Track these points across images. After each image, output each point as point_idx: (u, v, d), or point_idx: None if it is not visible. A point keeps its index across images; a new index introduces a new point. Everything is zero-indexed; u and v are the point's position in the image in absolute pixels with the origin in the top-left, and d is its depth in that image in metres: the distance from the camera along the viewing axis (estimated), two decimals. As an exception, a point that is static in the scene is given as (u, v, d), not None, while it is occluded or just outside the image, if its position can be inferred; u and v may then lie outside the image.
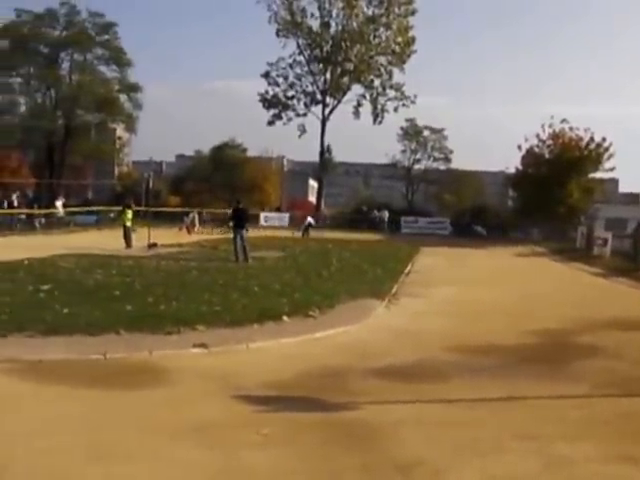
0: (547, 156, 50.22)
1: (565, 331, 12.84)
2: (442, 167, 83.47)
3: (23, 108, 59.40)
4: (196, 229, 38.92)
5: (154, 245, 28.82)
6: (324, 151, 67.74)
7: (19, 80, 58.74)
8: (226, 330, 11.03)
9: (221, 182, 62.10)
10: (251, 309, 12.66)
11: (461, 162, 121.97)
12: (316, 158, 68.02)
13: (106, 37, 58.51)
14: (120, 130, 64.07)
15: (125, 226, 30.56)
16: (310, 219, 45.78)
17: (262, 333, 11.05)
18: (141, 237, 30.05)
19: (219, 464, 5.69)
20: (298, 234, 42.65)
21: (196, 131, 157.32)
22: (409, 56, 64.30)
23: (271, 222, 56.21)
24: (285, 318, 12.10)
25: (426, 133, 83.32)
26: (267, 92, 65.42)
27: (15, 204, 41.13)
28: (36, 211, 43.21)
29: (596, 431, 6.73)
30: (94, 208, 50.25)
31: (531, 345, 11.54)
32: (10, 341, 9.94)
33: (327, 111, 65.20)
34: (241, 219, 24.46)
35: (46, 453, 5.85)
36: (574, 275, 26.36)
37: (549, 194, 46.95)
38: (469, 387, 8.48)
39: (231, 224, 24.70)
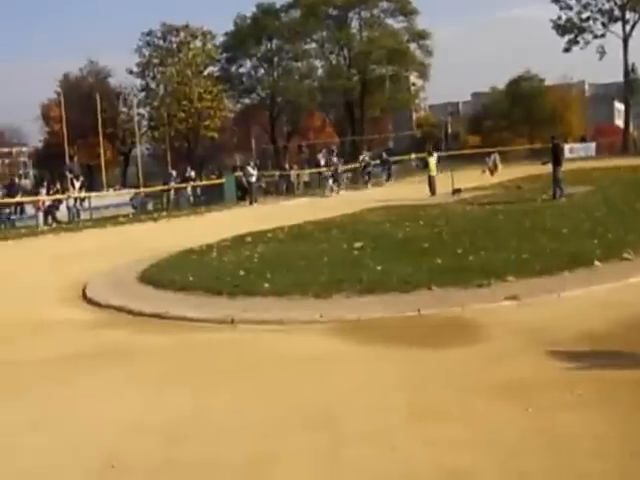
0: None
1: None
2: None
3: (320, 71, 62.30)
4: (499, 170, 38.35)
5: (458, 191, 28.99)
6: (628, 71, 63.06)
7: (314, 45, 61.58)
8: (536, 279, 10.77)
9: (520, 117, 60.58)
10: (561, 254, 12.22)
11: None
12: (620, 78, 63.76)
13: (390, -11, 59.31)
14: (414, 77, 64.79)
15: (429, 175, 31.15)
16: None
17: (573, 281, 10.64)
18: (444, 183, 30.30)
19: (534, 425, 5.65)
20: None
21: (490, 66, 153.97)
22: None
23: (576, 153, 53.40)
24: (597, 263, 11.54)
25: None
26: (560, 17, 62.24)
27: (322, 162, 43.23)
28: (340, 167, 45.05)
29: None
30: (396, 158, 51.39)
31: None
32: (331, 302, 10.59)
33: (628, 28, 60.50)
34: (556, 155, 23.90)
35: (368, 412, 6.17)
36: None
37: None
38: None
39: (547, 160, 24.29)
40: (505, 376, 6.89)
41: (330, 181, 38.15)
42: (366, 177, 41.85)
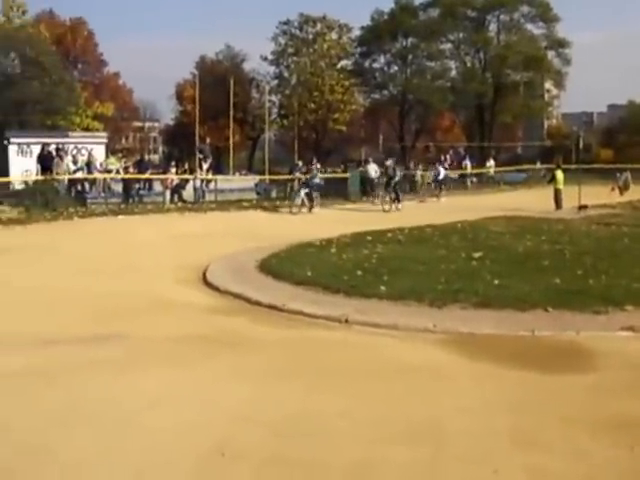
0: None
1: None
2: None
3: (454, 72, 61.90)
4: (630, 189, 37.06)
5: (584, 207, 28.31)
6: None
7: (449, 46, 61.22)
8: None
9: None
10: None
11: None
12: None
13: (531, -5, 58.22)
14: (549, 85, 63.49)
15: (556, 188, 30.52)
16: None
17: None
18: (571, 197, 29.60)
19: (636, 466, 5.54)
20: None
21: (629, 78, 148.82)
22: None
23: None
24: None
25: None
26: None
27: (446, 165, 43.10)
28: (467, 171, 44.74)
29: None
30: (523, 167, 50.58)
31: None
32: (446, 312, 10.67)
33: None
34: None
35: (473, 432, 6.19)
36: None
37: None
38: None
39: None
40: (614, 410, 6.78)
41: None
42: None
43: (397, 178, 32.05)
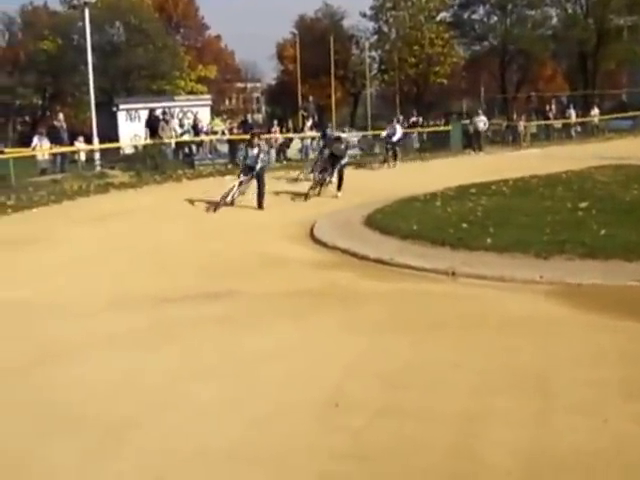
0: None
1: None
2: None
3: (555, 20, 60.08)
4: None
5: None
6: None
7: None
8: None
9: None
10: None
11: None
12: None
13: None
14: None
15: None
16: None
17: None
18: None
19: None
20: None
21: None
22: None
23: None
24: None
25: None
26: None
27: (550, 115, 42.17)
28: (572, 120, 43.66)
29: None
30: (629, 114, 48.99)
31: None
32: (552, 263, 10.71)
33: None
34: None
35: (582, 382, 6.27)
36: None
37: None
38: None
39: None
40: None
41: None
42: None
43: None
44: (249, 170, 18.84)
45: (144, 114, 32.64)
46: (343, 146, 21.29)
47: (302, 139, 33.39)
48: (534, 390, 6.17)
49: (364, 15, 60.74)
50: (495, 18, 61.04)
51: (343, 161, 20.66)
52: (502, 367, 6.75)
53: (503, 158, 30.81)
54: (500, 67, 60.54)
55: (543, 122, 42.49)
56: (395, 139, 29.94)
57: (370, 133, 39.62)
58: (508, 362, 6.87)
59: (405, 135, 33.00)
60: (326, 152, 22.00)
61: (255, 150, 19.02)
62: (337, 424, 5.63)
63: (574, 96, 55.82)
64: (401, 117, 39.22)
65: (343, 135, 26.22)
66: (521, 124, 39.88)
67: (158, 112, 31.53)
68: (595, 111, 45.84)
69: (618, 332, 7.72)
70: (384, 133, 31.35)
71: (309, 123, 35.56)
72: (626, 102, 61.60)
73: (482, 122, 35.91)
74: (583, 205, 14.95)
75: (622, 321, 8.05)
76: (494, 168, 23.42)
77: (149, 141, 29.35)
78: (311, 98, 41.68)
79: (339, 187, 20.23)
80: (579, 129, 43.99)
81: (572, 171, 22.03)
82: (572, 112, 44.32)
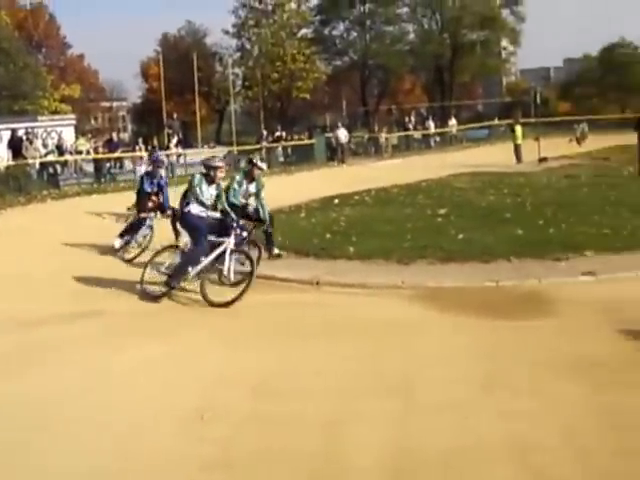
0: None
1: None
2: None
3: (412, 35, 62.17)
4: (587, 140, 37.70)
5: (544, 160, 28.93)
6: None
7: (406, 10, 61.52)
8: (615, 256, 10.91)
9: (611, 85, 59.19)
10: (642, 232, 12.25)
11: None
12: None
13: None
14: (505, 42, 63.98)
15: (515, 143, 31.07)
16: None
17: (653, 259, 10.65)
18: (531, 150, 30.08)
19: (599, 403, 5.86)
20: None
21: (584, 32, 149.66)
22: None
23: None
24: (678, 241, 11.63)
25: None
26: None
27: (410, 126, 43.52)
28: (431, 131, 45.10)
29: None
30: (484, 124, 51.12)
31: None
32: (413, 268, 11.02)
33: None
34: None
35: (444, 381, 6.47)
36: None
37: None
38: None
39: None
40: (577, 352, 7.11)
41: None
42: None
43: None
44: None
45: (6, 135, 31.43)
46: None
47: (168, 156, 33.05)
48: (399, 391, 6.31)
49: (227, 32, 60.78)
50: (355, 34, 62.47)
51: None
52: (368, 370, 6.88)
53: (366, 169, 31.46)
54: (361, 81, 61.87)
55: (403, 133, 43.79)
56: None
57: (236, 149, 39.59)
58: (374, 365, 7.01)
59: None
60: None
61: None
62: (205, 435, 5.59)
63: (433, 108, 57.77)
64: (265, 132, 39.51)
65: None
66: (382, 136, 40.93)
67: (21, 132, 30.56)
68: (453, 122, 47.62)
69: (477, 331, 8.04)
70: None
71: (174, 140, 35.38)
72: (482, 112, 64.48)
73: (344, 135, 36.74)
74: (442, 212, 15.49)
75: (481, 320, 8.38)
76: (357, 179, 23.83)
77: (12, 162, 28.33)
78: (176, 115, 41.42)
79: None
80: (438, 139, 45.57)
81: (432, 179, 22.80)
82: (431, 123, 45.80)
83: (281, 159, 37.82)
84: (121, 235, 13.98)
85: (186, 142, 40.51)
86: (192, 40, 61.91)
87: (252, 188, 12.27)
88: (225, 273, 10.19)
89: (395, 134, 43.70)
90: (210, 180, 10.45)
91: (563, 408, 5.84)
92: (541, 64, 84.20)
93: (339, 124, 39.79)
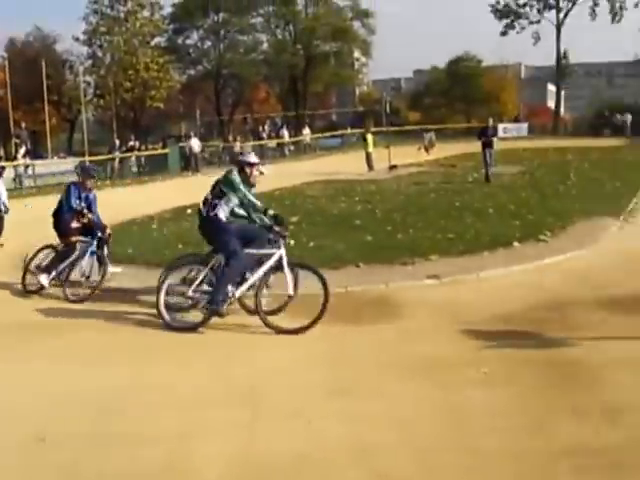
0: None
1: None
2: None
3: (265, 45, 62.71)
4: (435, 147, 39.06)
5: (394, 167, 29.78)
6: (560, 57, 64.03)
7: (260, 20, 62.02)
8: (458, 259, 11.42)
9: (458, 95, 62.05)
10: (483, 235, 12.98)
11: None
12: (554, 62, 65.03)
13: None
14: (357, 53, 65.65)
15: (367, 151, 31.78)
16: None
17: (492, 261, 11.31)
18: (382, 158, 30.82)
19: (440, 401, 6.08)
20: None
21: (434, 45, 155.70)
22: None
23: (510, 133, 54.05)
24: (516, 244, 12.32)
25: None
26: (498, 2, 63.54)
27: (264, 135, 43.77)
28: (285, 140, 45.50)
29: None
30: (337, 133, 52.08)
31: None
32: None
33: (562, 15, 61.88)
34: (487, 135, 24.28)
35: (290, 388, 6.55)
36: None
37: None
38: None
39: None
40: (419, 354, 7.36)
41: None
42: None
43: None
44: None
45: None
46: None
47: (15, 167, 31.78)
48: (245, 402, 6.29)
49: (77, 39, 59.19)
50: (209, 43, 62.41)
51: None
52: (215, 382, 6.85)
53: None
54: (215, 90, 61.83)
55: (258, 142, 43.99)
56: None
57: (87, 159, 38.53)
58: (221, 378, 6.97)
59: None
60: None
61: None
62: (45, 460, 5.37)
63: (287, 117, 58.42)
64: (117, 142, 38.75)
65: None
66: (237, 145, 40.92)
67: None
68: (307, 130, 48.27)
69: (325, 337, 8.14)
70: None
71: (22, 150, 34.03)
72: (335, 121, 65.78)
73: (197, 145, 36.65)
74: (294, 219, 15.57)
75: (329, 326, 8.44)
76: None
77: None
78: (24, 125, 39.86)
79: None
80: (292, 148, 46.10)
81: (285, 188, 22.93)
82: (285, 132, 46.24)
83: (134, 169, 37.10)
84: (46, 270, 11.10)
85: (35, 153, 39.14)
86: (41, 46, 59.80)
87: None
88: (289, 291, 8.87)
89: (250, 143, 43.82)
90: (243, 180, 9.07)
91: (404, 408, 6.01)
92: (392, 75, 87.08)
93: (192, 133, 39.68)
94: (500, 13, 63.54)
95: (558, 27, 61.97)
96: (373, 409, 6.01)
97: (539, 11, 62.70)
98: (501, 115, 58.80)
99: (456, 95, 62.25)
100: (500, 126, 51.36)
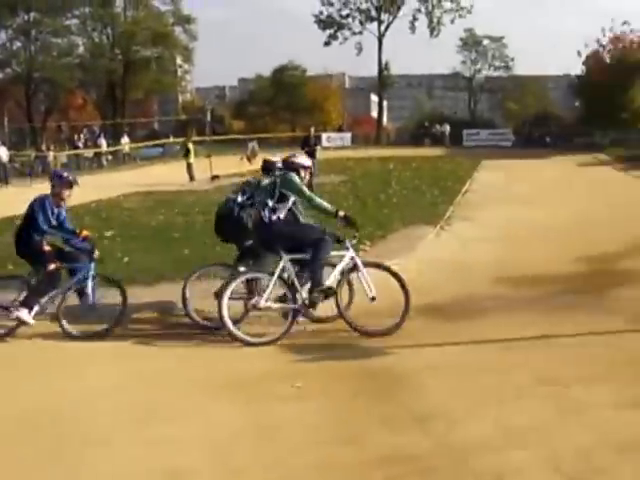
0: (608, 61, 49.65)
1: (620, 255, 12.37)
2: (504, 75, 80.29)
3: (82, 49, 60.64)
4: (257, 157, 39.08)
5: (216, 177, 29.56)
6: (382, 69, 66.95)
7: (75, 21, 59.82)
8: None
9: (283, 104, 62.66)
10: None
11: (524, 69, 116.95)
12: (376, 73, 67.46)
13: (156, -29, 58.93)
14: (180, 60, 64.93)
15: (187, 162, 31.42)
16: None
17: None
18: (205, 168, 30.69)
19: (252, 419, 5.90)
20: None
21: (259, 53, 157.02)
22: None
23: (333, 142, 55.43)
24: (333, 253, 12.25)
25: (486, 42, 79.70)
26: (321, 12, 65.36)
27: (80, 144, 42.28)
28: (103, 149, 44.17)
29: (617, 373, 6.50)
30: (159, 142, 51.16)
31: (582, 274, 11.16)
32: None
33: (383, 28, 64.65)
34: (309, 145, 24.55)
35: (95, 413, 6.17)
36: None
37: (612, 100, 46.14)
38: (506, 325, 8.46)
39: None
40: (231, 371, 7.22)
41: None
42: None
43: None
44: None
45: None
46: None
47: None
48: (47, 427, 5.87)
49: None
50: (19, 44, 59.49)
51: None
52: (16, 410, 6.31)
53: (32, 190, 29.52)
54: (26, 95, 59.07)
55: (74, 152, 42.47)
56: None
57: None
58: (19, 401, 6.47)
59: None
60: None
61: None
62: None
63: (105, 125, 56.69)
64: None
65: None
66: (51, 154, 39.36)
67: None
68: (125, 139, 47.10)
69: (136, 357, 7.89)
70: None
71: None
72: (158, 130, 64.62)
73: (5, 154, 34.97)
74: (109, 234, 15.05)
75: (141, 346, 8.24)
76: (22, 202, 22.30)
77: None
78: None
79: None
80: (110, 158, 44.81)
81: (101, 200, 22.19)
82: (103, 141, 44.90)
83: None
84: (25, 303, 8.99)
85: None
86: None
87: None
88: (368, 293, 8.53)
89: (65, 152, 42.20)
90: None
91: (217, 429, 5.78)
92: (217, 83, 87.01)
93: (-4, 141, 37.56)
94: (323, 24, 65.25)
95: (380, 39, 64.26)
96: (181, 432, 5.73)
97: (361, 23, 64.82)
98: (325, 124, 60.06)
99: (280, 104, 63.08)
100: (324, 135, 52.37)
